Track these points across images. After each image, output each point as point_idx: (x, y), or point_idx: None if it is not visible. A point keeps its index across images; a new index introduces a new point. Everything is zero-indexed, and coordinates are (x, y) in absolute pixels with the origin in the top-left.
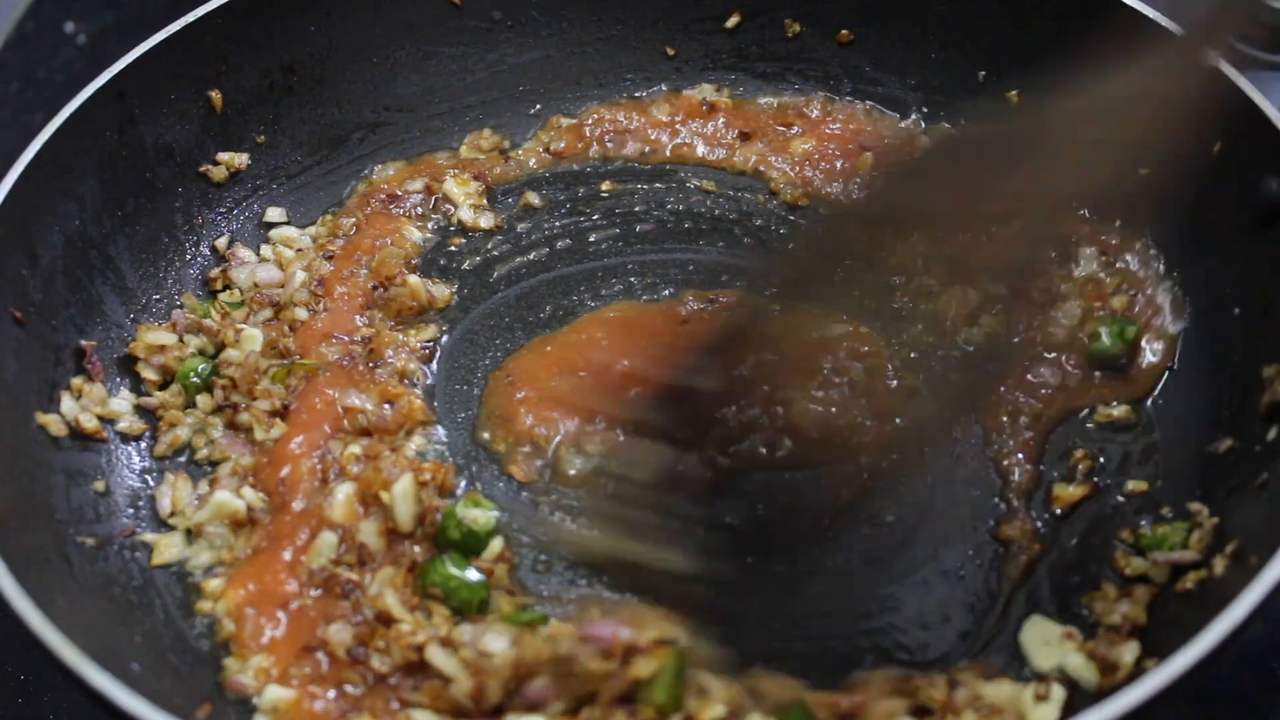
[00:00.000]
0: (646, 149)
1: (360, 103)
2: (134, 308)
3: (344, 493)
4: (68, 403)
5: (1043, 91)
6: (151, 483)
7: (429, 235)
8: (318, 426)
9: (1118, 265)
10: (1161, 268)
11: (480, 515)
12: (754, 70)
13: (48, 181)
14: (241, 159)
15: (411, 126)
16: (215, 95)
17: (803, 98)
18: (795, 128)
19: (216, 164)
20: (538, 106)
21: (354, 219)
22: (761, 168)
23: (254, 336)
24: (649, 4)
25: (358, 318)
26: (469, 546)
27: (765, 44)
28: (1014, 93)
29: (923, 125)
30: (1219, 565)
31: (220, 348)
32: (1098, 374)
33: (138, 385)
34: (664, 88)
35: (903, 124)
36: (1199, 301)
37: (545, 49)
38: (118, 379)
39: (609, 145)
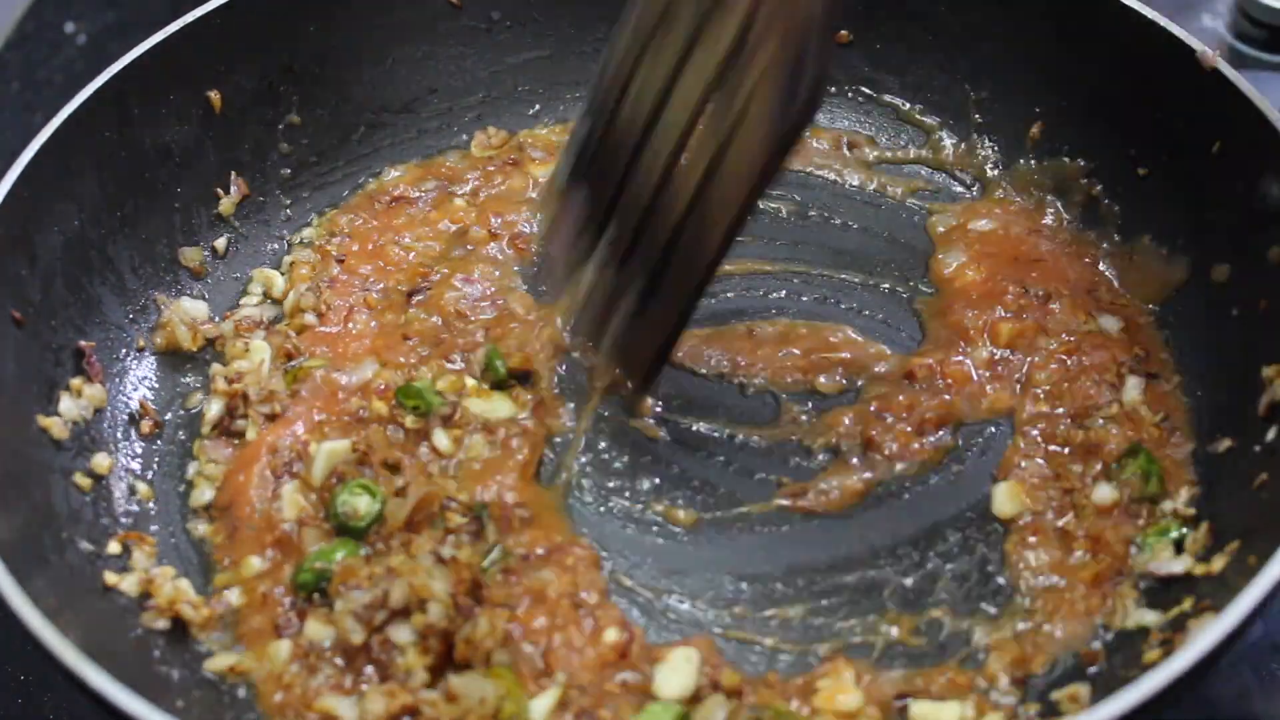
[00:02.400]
0: None
1: (360, 103)
2: (133, 308)
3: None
4: (66, 403)
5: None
6: (154, 479)
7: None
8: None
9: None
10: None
11: (361, 505)
12: None
13: (47, 181)
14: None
15: (410, 127)
16: (215, 95)
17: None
18: None
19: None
20: (537, 107)
21: (351, 217)
22: None
23: (261, 348)
24: None
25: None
26: (347, 530)
27: None
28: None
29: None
30: (1219, 565)
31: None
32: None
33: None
34: None
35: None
36: (1199, 302)
37: (545, 49)
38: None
39: None
